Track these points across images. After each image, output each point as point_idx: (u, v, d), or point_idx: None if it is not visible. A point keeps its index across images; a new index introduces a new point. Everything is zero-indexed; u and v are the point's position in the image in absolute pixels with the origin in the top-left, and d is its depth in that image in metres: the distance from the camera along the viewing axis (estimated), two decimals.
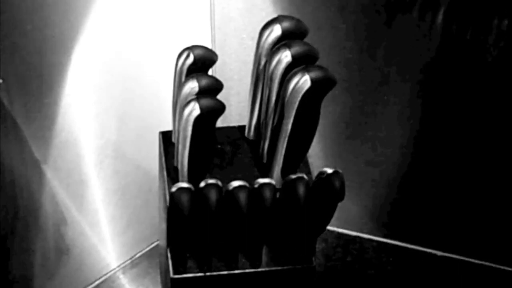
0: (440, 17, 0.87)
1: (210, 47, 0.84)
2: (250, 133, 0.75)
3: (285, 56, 0.68)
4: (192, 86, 0.68)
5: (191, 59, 0.71)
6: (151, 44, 0.89)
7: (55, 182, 0.84)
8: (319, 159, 0.93)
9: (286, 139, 0.70)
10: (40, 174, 0.83)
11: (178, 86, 0.71)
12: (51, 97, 0.81)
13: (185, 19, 0.92)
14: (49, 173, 0.83)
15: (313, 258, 0.73)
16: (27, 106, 0.79)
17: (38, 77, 0.79)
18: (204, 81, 0.68)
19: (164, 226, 0.73)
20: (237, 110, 0.89)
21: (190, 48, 0.71)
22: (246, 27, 0.93)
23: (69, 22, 0.81)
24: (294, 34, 0.69)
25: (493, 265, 0.94)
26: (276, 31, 0.69)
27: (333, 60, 0.89)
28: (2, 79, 0.75)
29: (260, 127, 0.73)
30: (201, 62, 0.71)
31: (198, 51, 0.71)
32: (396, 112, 0.93)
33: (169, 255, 0.72)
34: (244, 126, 0.76)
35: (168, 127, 0.76)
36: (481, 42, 0.86)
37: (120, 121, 0.88)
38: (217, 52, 0.74)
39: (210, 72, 0.72)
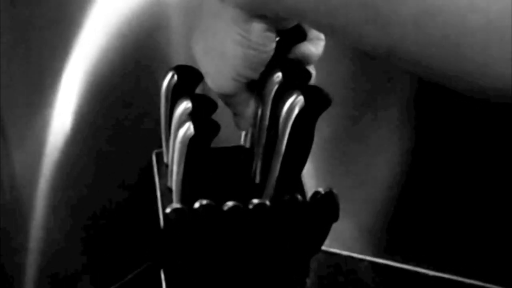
0: None
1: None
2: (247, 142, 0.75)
3: (276, 77, 0.68)
4: (186, 106, 0.68)
5: (175, 79, 0.71)
6: (142, 63, 0.89)
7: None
8: (311, 179, 0.93)
9: (280, 159, 0.69)
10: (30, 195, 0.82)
11: (166, 106, 0.71)
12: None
13: (176, 35, 0.93)
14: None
15: (307, 279, 0.73)
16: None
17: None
18: (198, 101, 0.68)
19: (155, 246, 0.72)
20: (230, 130, 0.89)
21: (174, 68, 0.71)
22: None
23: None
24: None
25: (485, 284, 0.94)
26: None
27: (326, 80, 0.89)
28: None
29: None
30: (186, 82, 0.71)
31: (183, 71, 0.71)
32: (388, 131, 0.93)
33: (163, 276, 0.71)
34: (238, 146, 0.75)
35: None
36: None
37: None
38: None
39: (201, 92, 0.72)
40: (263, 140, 0.70)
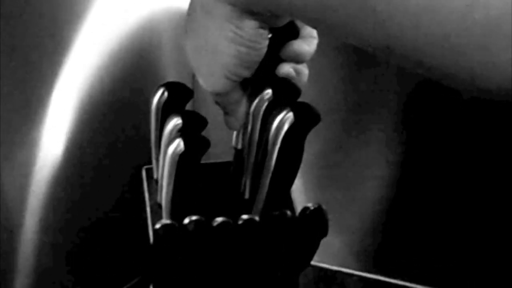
0: None
1: (191, 82, 0.84)
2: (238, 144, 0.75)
3: (266, 94, 0.68)
4: (176, 123, 0.68)
5: (165, 96, 0.71)
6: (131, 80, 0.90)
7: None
8: (300, 194, 0.94)
9: (269, 175, 0.69)
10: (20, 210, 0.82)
11: (156, 123, 0.71)
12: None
13: (166, 53, 0.93)
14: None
15: None
16: None
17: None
18: (188, 118, 0.69)
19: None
20: (220, 146, 0.89)
21: (164, 85, 0.72)
22: None
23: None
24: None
25: None
26: None
27: (315, 96, 0.90)
28: None
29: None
30: (176, 99, 0.71)
31: (173, 88, 0.72)
32: (376, 147, 0.93)
33: None
34: (227, 162, 0.76)
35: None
36: None
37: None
38: (198, 86, 0.74)
39: (191, 108, 0.72)
40: (253, 156, 0.71)
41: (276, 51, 0.65)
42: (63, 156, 0.84)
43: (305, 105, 0.67)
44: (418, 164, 0.93)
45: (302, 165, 0.70)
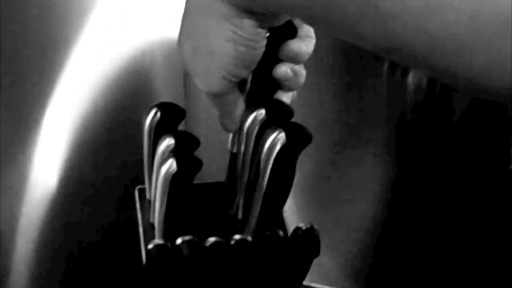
0: (410, 75, 0.89)
1: (183, 102, 0.84)
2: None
3: (259, 114, 0.68)
4: (169, 143, 0.69)
5: (158, 116, 0.71)
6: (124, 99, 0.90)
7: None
8: (292, 214, 0.94)
9: (262, 195, 0.70)
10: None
11: (149, 143, 0.71)
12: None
13: (159, 74, 0.93)
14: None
15: None
16: None
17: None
18: (181, 138, 0.69)
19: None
20: (212, 166, 0.89)
21: (157, 106, 0.72)
22: None
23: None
24: None
25: None
26: None
27: (306, 116, 0.90)
28: None
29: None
30: (168, 119, 0.71)
31: (165, 108, 0.72)
32: (368, 167, 0.94)
33: None
34: (220, 182, 0.76)
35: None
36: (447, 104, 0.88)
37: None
38: (190, 107, 0.74)
39: (183, 128, 0.73)
40: (246, 176, 0.71)
41: (274, 51, 0.64)
42: (55, 176, 0.84)
43: (297, 126, 0.67)
44: (410, 183, 0.93)
45: (294, 185, 0.70)
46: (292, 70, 0.65)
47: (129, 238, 0.81)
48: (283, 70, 0.64)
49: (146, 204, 0.74)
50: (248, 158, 0.70)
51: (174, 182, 0.67)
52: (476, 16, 0.41)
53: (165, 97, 0.77)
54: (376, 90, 0.91)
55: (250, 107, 0.68)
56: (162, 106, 0.72)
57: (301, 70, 0.65)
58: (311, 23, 0.56)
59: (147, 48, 0.89)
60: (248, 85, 0.66)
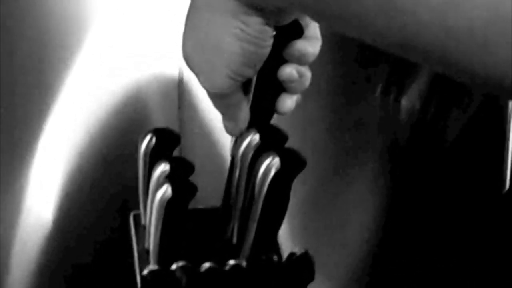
0: (403, 99, 0.90)
1: (177, 126, 0.84)
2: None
3: (254, 139, 0.69)
4: (164, 168, 0.69)
5: (153, 142, 0.72)
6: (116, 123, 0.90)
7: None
8: (287, 239, 0.94)
9: (256, 220, 0.70)
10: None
11: (144, 168, 0.72)
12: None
13: (153, 98, 0.94)
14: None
15: None
16: None
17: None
18: (176, 164, 0.69)
19: None
20: (207, 191, 0.89)
21: (152, 131, 0.72)
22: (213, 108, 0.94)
23: None
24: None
25: None
26: None
27: (300, 141, 0.90)
28: None
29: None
30: (163, 145, 0.72)
31: (160, 134, 0.72)
32: (362, 191, 0.94)
33: None
34: (215, 208, 0.76)
35: None
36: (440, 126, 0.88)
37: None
38: (185, 132, 0.75)
39: (178, 154, 0.73)
40: (240, 201, 0.71)
41: (280, 51, 0.62)
42: (50, 203, 0.84)
43: (291, 151, 0.67)
44: (404, 208, 0.93)
45: (289, 211, 0.70)
46: (298, 72, 0.63)
47: (124, 264, 0.81)
48: (288, 71, 0.63)
49: (141, 230, 0.74)
50: (243, 183, 0.70)
51: (169, 208, 0.67)
52: (498, 10, 0.39)
53: (160, 123, 0.77)
54: (370, 114, 0.91)
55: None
56: (157, 132, 0.72)
57: (307, 72, 0.63)
58: (320, 19, 0.53)
59: (143, 76, 0.90)
60: (252, 87, 0.65)
